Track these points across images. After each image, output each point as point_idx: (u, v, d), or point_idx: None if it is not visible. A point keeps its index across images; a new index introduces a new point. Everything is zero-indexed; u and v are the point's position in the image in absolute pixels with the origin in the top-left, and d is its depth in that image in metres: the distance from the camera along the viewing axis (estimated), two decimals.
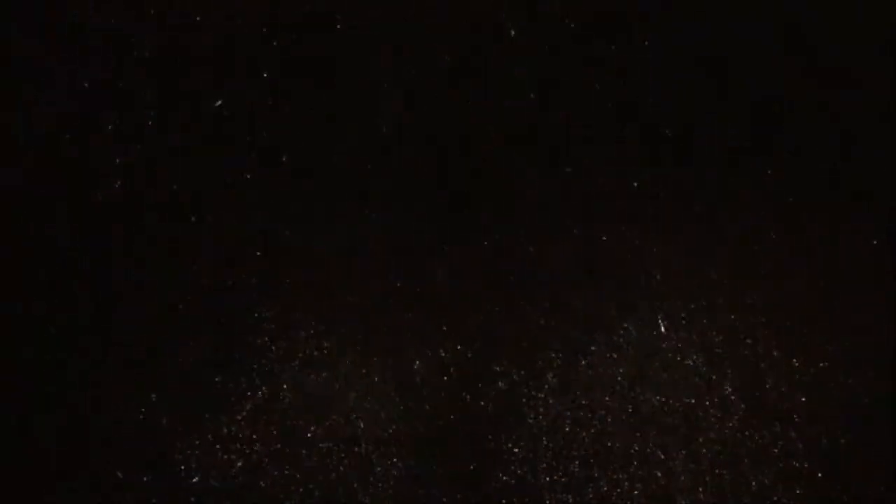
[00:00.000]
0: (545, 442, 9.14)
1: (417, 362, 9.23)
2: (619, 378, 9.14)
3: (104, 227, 8.96)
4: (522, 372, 9.29)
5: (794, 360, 8.97)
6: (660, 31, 9.29)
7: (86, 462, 8.76)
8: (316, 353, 9.07)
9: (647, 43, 9.20)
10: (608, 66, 9.29)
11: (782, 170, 9.12)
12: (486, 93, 9.29)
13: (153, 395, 8.90)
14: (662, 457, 9.08)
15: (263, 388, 8.97)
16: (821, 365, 8.92)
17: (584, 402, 9.17)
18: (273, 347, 9.04)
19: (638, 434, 9.12)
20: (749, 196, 9.21)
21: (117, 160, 9.07)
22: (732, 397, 9.05)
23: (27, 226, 8.95)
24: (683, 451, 9.04)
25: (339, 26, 9.27)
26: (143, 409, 8.83)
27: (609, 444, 9.11)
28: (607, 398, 9.15)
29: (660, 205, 9.33)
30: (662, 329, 9.05)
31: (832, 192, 9.11)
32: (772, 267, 9.11)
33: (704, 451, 8.97)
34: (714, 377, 8.99)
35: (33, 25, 9.42)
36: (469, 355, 9.27)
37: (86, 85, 9.14)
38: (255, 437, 8.81)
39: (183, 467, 8.74)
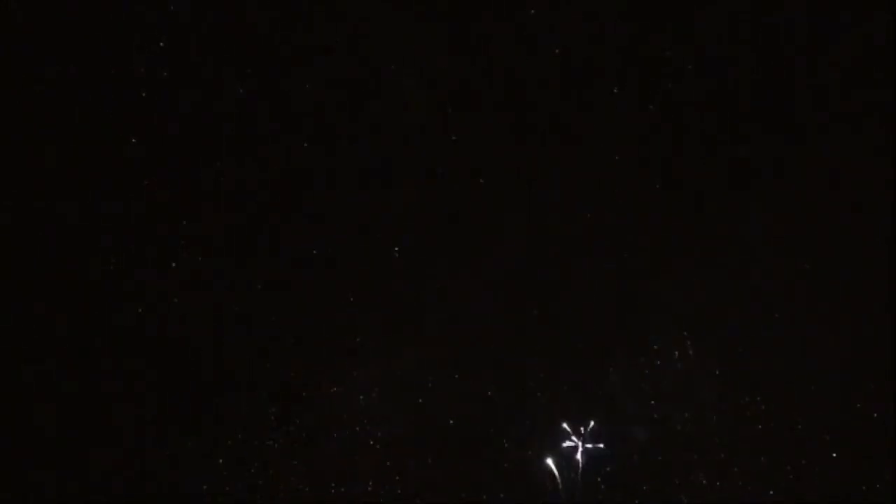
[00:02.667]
0: (569, 462, 9.11)
1: (441, 391, 9.14)
2: (641, 397, 9.16)
3: (145, 263, 8.92)
4: (546, 394, 9.29)
5: (812, 386, 9.01)
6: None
7: (103, 486, 8.68)
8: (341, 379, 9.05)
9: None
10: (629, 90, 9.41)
11: (794, 196, 9.23)
12: (521, 125, 9.33)
13: (175, 423, 8.84)
14: (684, 473, 9.08)
15: (288, 416, 8.90)
16: (833, 384, 8.99)
17: (605, 422, 9.19)
18: (298, 377, 8.99)
19: (660, 453, 9.12)
20: (763, 224, 9.31)
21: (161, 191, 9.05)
22: (749, 412, 9.08)
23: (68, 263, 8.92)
24: (702, 466, 9.05)
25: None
26: (165, 437, 8.77)
27: (630, 465, 9.09)
28: (629, 417, 9.16)
29: (680, 233, 9.40)
30: (683, 349, 9.08)
31: (839, 213, 9.22)
32: (784, 288, 9.20)
33: (723, 466, 8.98)
34: (733, 395, 9.02)
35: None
36: (491, 379, 9.26)
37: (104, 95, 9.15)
38: (281, 466, 8.73)
39: (205, 486, 8.68)
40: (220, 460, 8.41)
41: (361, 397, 8.65)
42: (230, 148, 9.06)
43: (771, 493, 8.75)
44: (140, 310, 8.80)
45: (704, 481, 8.64)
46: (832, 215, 9.18)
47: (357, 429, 8.56)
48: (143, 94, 9.00)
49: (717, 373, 8.80)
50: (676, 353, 8.78)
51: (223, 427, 8.66)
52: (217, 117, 9.04)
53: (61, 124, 9.37)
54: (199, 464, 8.70)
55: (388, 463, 8.43)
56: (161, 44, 9.09)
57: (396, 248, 8.75)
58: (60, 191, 9.27)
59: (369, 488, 8.53)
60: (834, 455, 8.62)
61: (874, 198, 9.29)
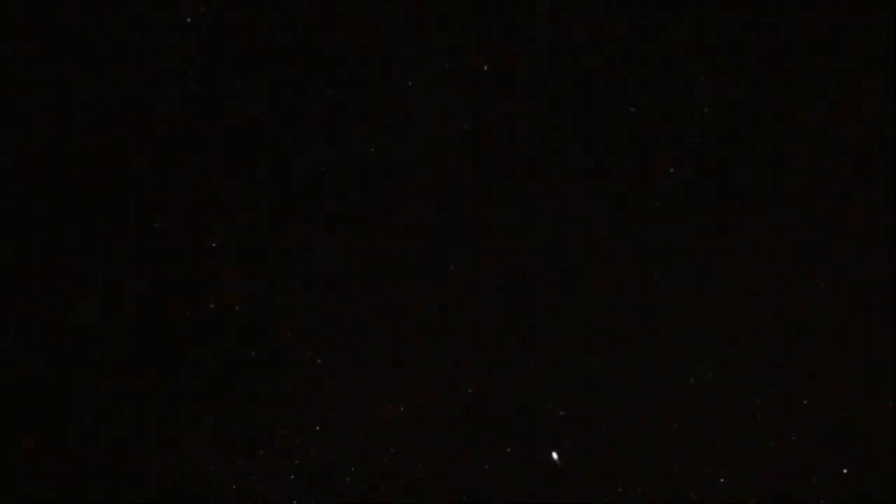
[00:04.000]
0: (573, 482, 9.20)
1: (449, 396, 9.18)
2: (647, 400, 9.26)
3: (159, 267, 8.90)
4: (556, 398, 9.36)
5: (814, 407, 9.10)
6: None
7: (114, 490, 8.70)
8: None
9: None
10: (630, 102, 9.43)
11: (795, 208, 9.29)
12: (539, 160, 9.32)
13: (186, 431, 8.84)
14: (687, 474, 9.19)
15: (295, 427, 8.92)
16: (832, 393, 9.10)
17: (613, 438, 9.29)
18: (309, 387, 9.00)
19: (665, 455, 9.24)
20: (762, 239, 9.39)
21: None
22: (754, 417, 9.19)
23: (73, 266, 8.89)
24: (706, 468, 9.17)
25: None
26: (176, 445, 8.78)
27: (634, 478, 9.19)
28: (636, 420, 9.26)
29: (682, 238, 9.48)
30: (690, 354, 9.16)
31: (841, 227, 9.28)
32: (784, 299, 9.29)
33: (727, 469, 9.10)
34: (738, 400, 9.13)
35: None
36: (500, 385, 9.32)
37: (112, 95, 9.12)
38: (290, 475, 8.76)
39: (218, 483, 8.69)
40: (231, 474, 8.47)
41: (371, 404, 8.73)
42: (239, 152, 9.06)
43: (776, 494, 8.91)
44: (150, 314, 8.84)
45: (708, 483, 8.80)
46: (832, 218, 9.29)
47: (367, 438, 8.65)
48: (149, 98, 8.99)
49: (723, 377, 8.94)
50: (683, 357, 8.91)
51: (232, 437, 8.73)
52: (224, 119, 9.04)
53: (61, 125, 9.34)
54: (208, 473, 8.76)
55: (399, 471, 8.52)
56: (167, 45, 9.07)
57: (406, 255, 8.81)
58: (61, 192, 9.26)
59: (378, 494, 8.63)
60: (838, 461, 8.78)
61: (875, 200, 9.41)
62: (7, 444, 8.82)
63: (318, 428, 8.82)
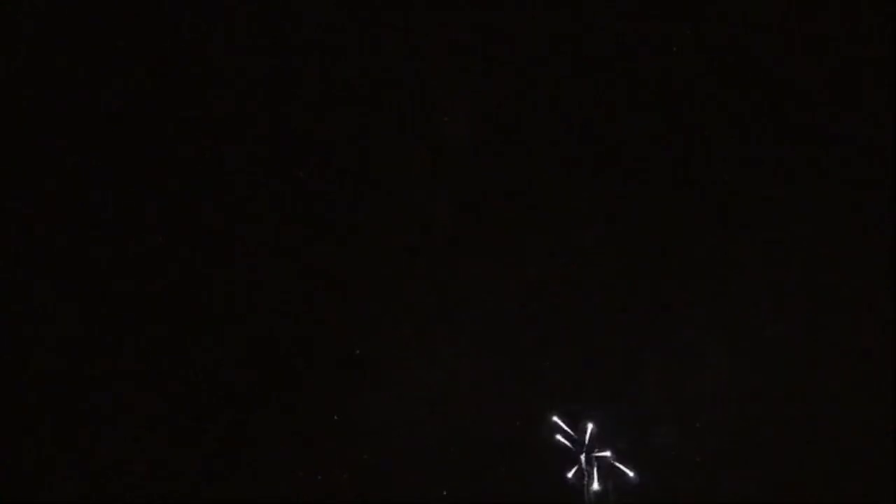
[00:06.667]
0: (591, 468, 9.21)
1: (464, 397, 9.14)
2: (664, 402, 9.31)
3: (169, 274, 8.81)
4: (569, 399, 9.37)
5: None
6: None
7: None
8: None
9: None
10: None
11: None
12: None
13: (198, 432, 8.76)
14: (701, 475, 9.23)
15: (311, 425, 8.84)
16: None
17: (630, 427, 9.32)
18: (321, 387, 8.93)
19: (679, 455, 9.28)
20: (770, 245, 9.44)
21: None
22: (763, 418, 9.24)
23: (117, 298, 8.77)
24: (719, 468, 9.21)
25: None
26: (187, 448, 8.71)
27: (651, 468, 9.22)
28: (653, 422, 9.30)
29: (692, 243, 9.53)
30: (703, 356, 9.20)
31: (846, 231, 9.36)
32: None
33: (738, 469, 9.15)
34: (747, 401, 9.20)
35: None
36: (514, 386, 9.32)
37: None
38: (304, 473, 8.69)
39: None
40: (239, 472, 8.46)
41: (382, 407, 8.74)
42: (258, 159, 9.08)
43: (784, 493, 9.01)
44: (161, 319, 8.83)
45: (722, 483, 8.90)
46: (838, 220, 9.41)
47: (379, 437, 8.67)
48: (154, 100, 8.95)
49: (732, 380, 9.05)
50: (696, 360, 8.99)
51: (243, 438, 8.72)
52: (242, 126, 9.07)
53: (63, 125, 9.31)
54: (221, 472, 8.78)
55: (413, 470, 8.55)
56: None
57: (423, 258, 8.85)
58: (63, 191, 9.22)
59: (388, 495, 8.64)
60: (842, 459, 8.92)
61: (878, 202, 9.53)
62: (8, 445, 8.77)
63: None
